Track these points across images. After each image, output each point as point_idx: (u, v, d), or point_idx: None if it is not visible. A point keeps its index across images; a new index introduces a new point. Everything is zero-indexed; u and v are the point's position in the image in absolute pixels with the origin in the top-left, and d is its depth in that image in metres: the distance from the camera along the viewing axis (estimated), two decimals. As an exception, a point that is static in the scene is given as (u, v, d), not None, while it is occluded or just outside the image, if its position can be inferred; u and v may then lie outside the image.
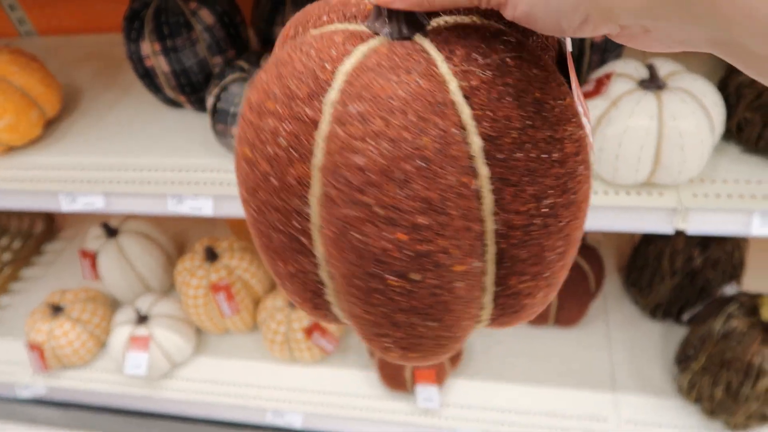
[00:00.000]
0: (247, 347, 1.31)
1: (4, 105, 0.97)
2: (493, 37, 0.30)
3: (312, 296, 0.34)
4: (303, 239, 0.31)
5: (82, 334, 1.27)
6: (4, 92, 0.98)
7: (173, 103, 1.06)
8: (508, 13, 0.27)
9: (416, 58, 0.29)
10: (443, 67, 0.29)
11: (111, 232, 1.33)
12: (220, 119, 0.87)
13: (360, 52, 0.30)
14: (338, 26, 0.32)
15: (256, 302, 1.31)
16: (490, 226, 0.30)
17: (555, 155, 0.30)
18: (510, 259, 0.31)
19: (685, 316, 1.16)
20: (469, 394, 1.15)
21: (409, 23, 0.30)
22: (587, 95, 0.78)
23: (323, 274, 0.32)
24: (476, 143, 0.28)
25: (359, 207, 0.28)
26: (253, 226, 0.33)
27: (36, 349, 1.25)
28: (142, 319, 1.23)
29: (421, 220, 0.28)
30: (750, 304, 0.99)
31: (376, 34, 0.31)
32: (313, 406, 1.18)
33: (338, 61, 0.29)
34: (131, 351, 1.21)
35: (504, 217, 0.29)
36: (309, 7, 0.36)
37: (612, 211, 0.79)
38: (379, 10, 0.31)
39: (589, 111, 0.34)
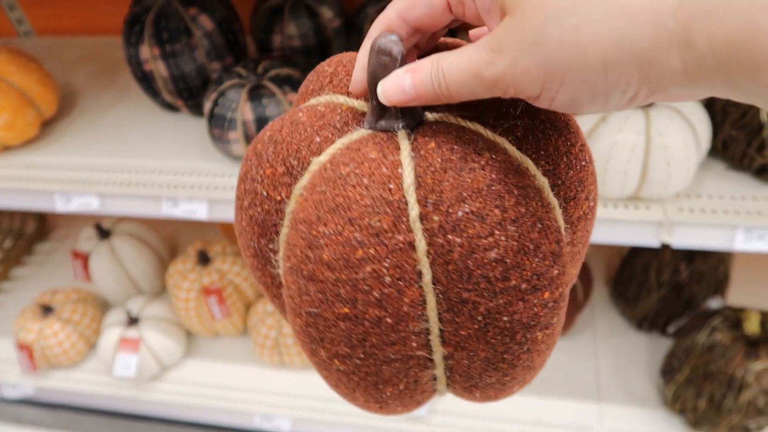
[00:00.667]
0: (236, 351, 1.31)
1: (1, 104, 0.98)
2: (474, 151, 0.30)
3: (421, 398, 0.35)
4: (421, 353, 0.31)
5: (72, 335, 1.27)
6: (2, 91, 0.99)
7: (170, 107, 1.07)
8: (543, 104, 0.27)
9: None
10: None
11: (103, 233, 1.33)
12: (217, 124, 0.88)
13: (407, 158, 0.29)
14: (364, 134, 0.31)
15: (247, 306, 1.31)
16: None
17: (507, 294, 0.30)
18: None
19: (671, 329, 1.18)
20: (457, 401, 1.16)
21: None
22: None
23: (439, 371, 0.33)
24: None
25: (505, 293, 0.28)
26: (352, 374, 0.32)
27: (25, 348, 1.25)
28: (133, 321, 1.23)
29: (552, 270, 0.30)
30: (734, 317, 1.01)
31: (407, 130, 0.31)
32: (302, 411, 1.19)
33: (399, 177, 0.29)
34: (121, 352, 1.21)
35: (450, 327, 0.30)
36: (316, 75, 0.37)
37: (600, 223, 0.81)
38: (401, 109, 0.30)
39: (580, 127, 0.35)
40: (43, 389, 1.30)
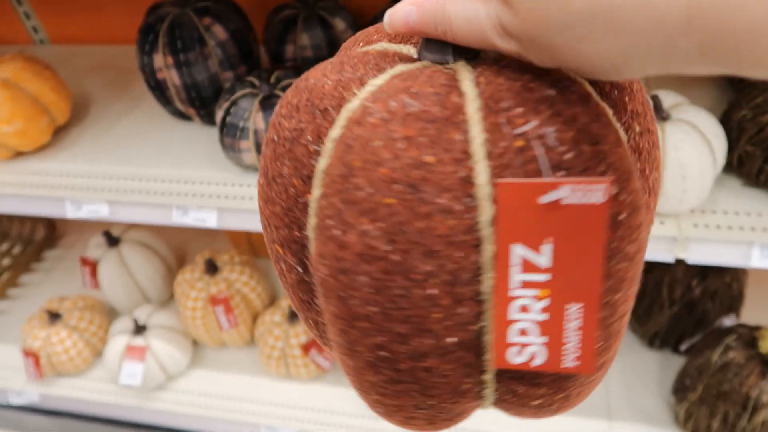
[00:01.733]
0: (243, 361, 1.30)
1: (15, 110, 0.99)
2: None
3: (461, 410, 0.34)
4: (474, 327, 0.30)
5: (79, 342, 1.27)
6: (16, 98, 0.99)
7: (182, 116, 1.07)
8: (573, 64, 0.25)
9: None
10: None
11: (112, 241, 1.33)
12: (229, 133, 0.88)
13: (469, 85, 0.28)
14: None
15: (254, 317, 1.31)
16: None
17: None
18: None
19: (683, 346, 1.16)
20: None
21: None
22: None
23: (490, 374, 0.31)
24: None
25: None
26: (439, 367, 0.30)
27: (31, 355, 1.25)
28: (140, 330, 1.23)
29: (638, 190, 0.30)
30: (748, 336, 1.00)
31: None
32: (307, 423, 1.17)
33: (462, 99, 0.28)
34: (127, 361, 1.20)
35: None
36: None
37: (613, 238, 0.80)
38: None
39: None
40: (48, 396, 1.30)
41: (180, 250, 1.51)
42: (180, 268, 1.36)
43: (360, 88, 0.30)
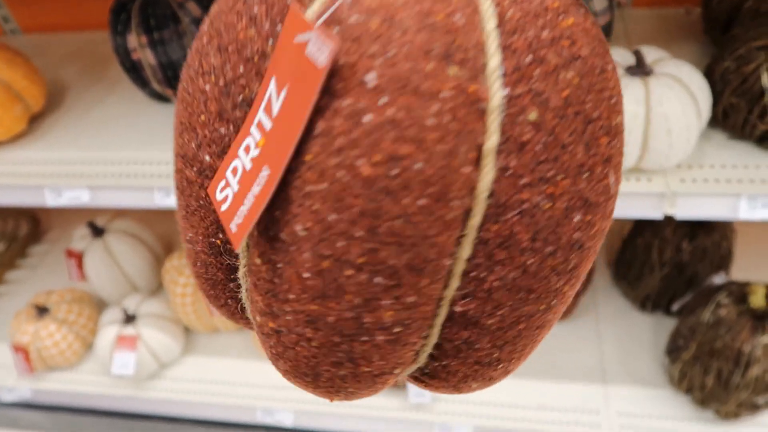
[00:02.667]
0: (236, 346, 1.29)
1: (-12, 99, 0.96)
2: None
3: (384, 381, 0.32)
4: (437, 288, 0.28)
5: (68, 336, 1.25)
6: (-12, 87, 0.97)
7: (160, 98, 1.05)
8: None
9: None
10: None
11: (97, 231, 1.31)
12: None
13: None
14: None
15: (246, 300, 1.29)
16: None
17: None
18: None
19: (675, 307, 1.17)
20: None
21: None
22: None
23: (434, 333, 0.30)
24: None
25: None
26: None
27: (21, 351, 1.23)
28: (130, 319, 1.22)
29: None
30: (739, 292, 1.00)
31: None
32: (304, 404, 1.17)
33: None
34: (118, 351, 1.19)
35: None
36: None
37: (601, 197, 0.79)
38: None
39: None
40: (40, 391, 1.28)
41: (167, 237, 1.49)
42: (168, 256, 1.34)
43: None
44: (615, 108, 0.28)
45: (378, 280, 0.25)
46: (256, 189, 0.26)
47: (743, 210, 0.75)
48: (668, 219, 1.06)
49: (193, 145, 0.29)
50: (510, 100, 0.25)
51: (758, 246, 1.27)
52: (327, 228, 0.24)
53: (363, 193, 0.24)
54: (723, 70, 0.80)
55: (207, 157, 0.29)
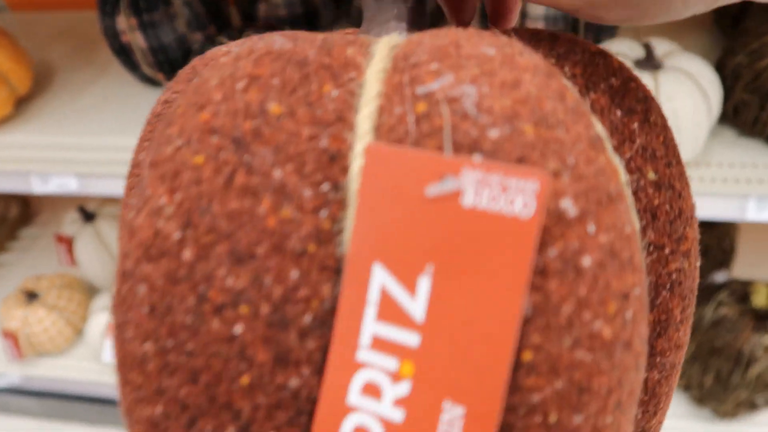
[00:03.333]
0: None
1: (-28, 81, 0.93)
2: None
3: None
4: None
5: (58, 321, 1.23)
6: (-28, 68, 0.93)
7: (151, 82, 1.02)
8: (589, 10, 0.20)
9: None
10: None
11: (88, 216, 1.28)
12: (200, 97, 0.84)
13: None
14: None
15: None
16: None
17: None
18: None
19: (674, 304, 1.15)
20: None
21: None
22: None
23: None
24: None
25: None
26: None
27: (10, 336, 1.21)
28: (121, 306, 1.20)
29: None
30: (741, 291, 0.98)
31: None
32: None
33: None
34: (110, 338, 1.17)
35: None
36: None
37: (605, 195, 0.77)
38: None
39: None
40: (30, 377, 1.27)
41: (159, 223, 1.46)
42: (160, 242, 1.32)
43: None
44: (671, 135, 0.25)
45: None
46: None
47: (751, 211, 0.73)
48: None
49: None
50: (626, 166, 0.21)
51: (761, 243, 1.25)
52: None
53: (611, 368, 0.16)
54: (735, 65, 0.77)
55: None
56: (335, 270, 0.16)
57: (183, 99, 0.19)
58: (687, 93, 0.71)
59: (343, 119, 0.17)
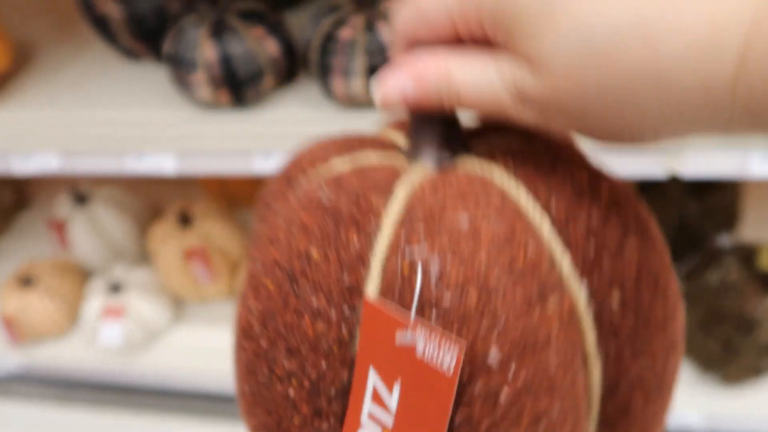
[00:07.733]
0: (227, 314, 1.26)
1: (-52, 60, 0.90)
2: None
3: None
4: None
5: (53, 306, 1.22)
6: (-52, 47, 0.91)
7: (132, 55, 0.99)
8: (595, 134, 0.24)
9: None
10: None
11: (80, 199, 1.26)
12: (178, 66, 0.81)
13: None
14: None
15: (233, 267, 1.25)
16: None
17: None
18: None
19: (680, 270, 1.12)
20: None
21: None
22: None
23: None
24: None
25: None
26: None
27: (6, 322, 1.20)
28: (116, 289, 1.18)
29: None
30: (746, 254, 0.95)
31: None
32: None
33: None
34: (105, 321, 1.16)
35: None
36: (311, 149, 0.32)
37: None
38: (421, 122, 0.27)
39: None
40: (26, 363, 1.26)
41: (153, 203, 1.44)
42: (154, 222, 1.30)
43: (320, 165, 0.29)
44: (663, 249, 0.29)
45: None
46: None
47: (755, 165, 0.70)
48: (673, 179, 1.01)
49: None
50: (591, 294, 0.25)
51: (767, 204, 1.21)
52: None
53: None
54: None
55: None
56: (350, 363, 0.25)
57: (264, 227, 0.28)
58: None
59: (362, 258, 0.25)
